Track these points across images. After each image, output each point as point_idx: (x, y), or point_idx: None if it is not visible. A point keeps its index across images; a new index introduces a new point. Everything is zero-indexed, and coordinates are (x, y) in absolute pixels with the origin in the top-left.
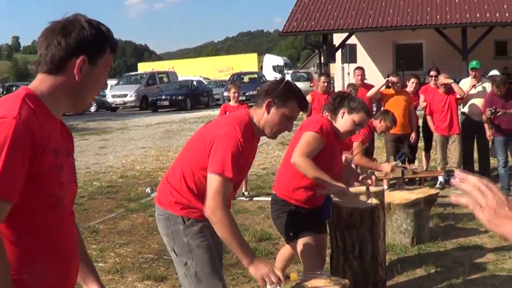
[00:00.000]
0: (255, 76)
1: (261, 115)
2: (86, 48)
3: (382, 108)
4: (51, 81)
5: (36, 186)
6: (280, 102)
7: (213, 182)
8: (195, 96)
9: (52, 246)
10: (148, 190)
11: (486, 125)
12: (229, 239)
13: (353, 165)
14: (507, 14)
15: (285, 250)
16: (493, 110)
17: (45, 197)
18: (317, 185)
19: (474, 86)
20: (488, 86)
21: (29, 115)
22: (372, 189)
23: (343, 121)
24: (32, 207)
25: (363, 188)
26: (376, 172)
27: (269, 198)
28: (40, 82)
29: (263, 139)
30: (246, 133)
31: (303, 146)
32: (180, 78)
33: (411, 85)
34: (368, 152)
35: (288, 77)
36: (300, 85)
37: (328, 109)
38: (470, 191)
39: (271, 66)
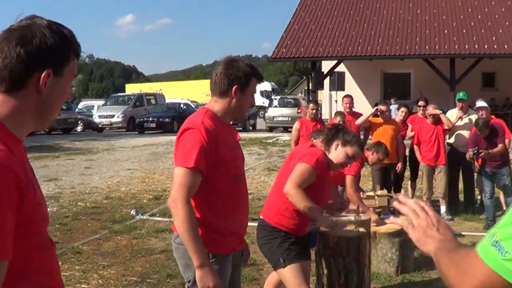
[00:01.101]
0: None
1: (229, 102)
2: (49, 58)
3: (370, 137)
4: (13, 102)
5: (25, 233)
6: (244, 85)
7: (177, 173)
8: (182, 119)
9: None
10: (133, 212)
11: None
12: (185, 236)
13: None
14: (495, 46)
15: (273, 277)
16: (475, 151)
17: (35, 239)
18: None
19: (460, 117)
20: (474, 118)
21: (6, 150)
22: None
23: (337, 153)
24: (21, 252)
25: (350, 217)
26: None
27: (254, 224)
28: (1, 105)
29: (249, 163)
30: (209, 123)
31: (297, 176)
32: (167, 101)
33: (400, 114)
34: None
35: (275, 103)
36: (287, 111)
37: (322, 140)
38: (406, 213)
39: (258, 91)
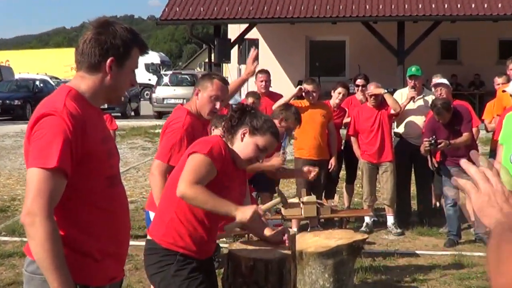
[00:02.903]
0: None
1: (100, 79)
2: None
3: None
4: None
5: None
6: (122, 57)
7: (32, 177)
8: (38, 101)
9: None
10: None
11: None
12: (46, 262)
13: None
14: (458, 6)
15: None
16: (432, 141)
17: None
18: (212, 223)
19: (412, 99)
20: (431, 99)
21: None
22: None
23: (244, 144)
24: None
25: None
26: (282, 210)
27: (139, 243)
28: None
29: (130, 161)
30: (74, 107)
31: (190, 172)
32: (17, 76)
33: (336, 97)
34: (271, 183)
35: (166, 80)
36: (182, 91)
37: (222, 126)
38: (474, 174)
39: (143, 64)
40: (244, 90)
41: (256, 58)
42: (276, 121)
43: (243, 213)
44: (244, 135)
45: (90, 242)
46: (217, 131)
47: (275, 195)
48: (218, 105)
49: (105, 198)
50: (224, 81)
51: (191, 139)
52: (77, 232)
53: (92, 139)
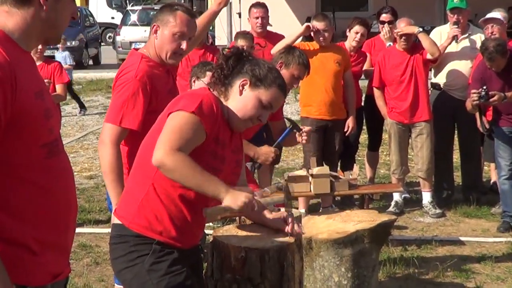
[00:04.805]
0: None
1: (32, 13)
2: None
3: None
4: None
5: None
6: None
7: None
8: None
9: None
10: None
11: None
12: None
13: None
14: None
15: None
16: (482, 94)
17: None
18: (200, 200)
19: (455, 38)
20: (479, 39)
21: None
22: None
23: (243, 99)
24: None
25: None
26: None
27: (100, 231)
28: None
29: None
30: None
31: (170, 134)
32: None
33: (353, 37)
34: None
35: (133, 17)
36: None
37: (212, 76)
38: None
39: None
40: (235, 30)
41: None
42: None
43: (234, 199)
44: (243, 87)
45: (23, 229)
46: (199, 83)
47: (276, 183)
48: (184, 45)
49: (42, 172)
50: (191, 14)
51: (150, 92)
52: (5, 217)
53: (25, 94)
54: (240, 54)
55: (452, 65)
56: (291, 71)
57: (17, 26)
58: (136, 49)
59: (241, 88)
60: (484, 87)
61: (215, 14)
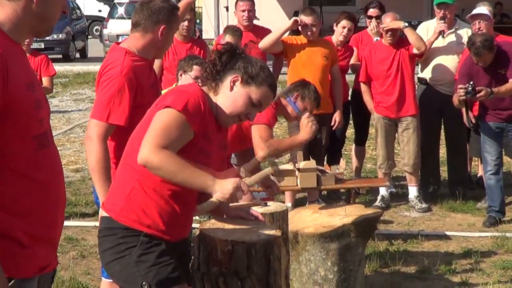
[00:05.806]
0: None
1: (23, 5)
2: None
3: (287, 69)
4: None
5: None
6: None
7: None
8: None
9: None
10: None
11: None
12: None
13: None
14: None
15: None
16: (469, 89)
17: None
18: (188, 192)
19: (442, 33)
20: (466, 34)
21: None
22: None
23: (233, 95)
24: None
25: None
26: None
27: (87, 224)
28: None
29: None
30: None
31: (157, 132)
32: None
33: (340, 32)
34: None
35: (121, 10)
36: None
37: (203, 71)
38: None
39: None
40: (222, 24)
41: None
42: (287, 100)
43: (222, 189)
44: (234, 83)
45: (13, 221)
46: (186, 77)
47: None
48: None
49: (32, 164)
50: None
51: (135, 88)
52: None
53: (16, 85)
54: (234, 51)
55: (438, 60)
56: (305, 104)
57: (8, 18)
58: (118, 43)
59: (232, 84)
60: (471, 83)
61: (189, 4)
